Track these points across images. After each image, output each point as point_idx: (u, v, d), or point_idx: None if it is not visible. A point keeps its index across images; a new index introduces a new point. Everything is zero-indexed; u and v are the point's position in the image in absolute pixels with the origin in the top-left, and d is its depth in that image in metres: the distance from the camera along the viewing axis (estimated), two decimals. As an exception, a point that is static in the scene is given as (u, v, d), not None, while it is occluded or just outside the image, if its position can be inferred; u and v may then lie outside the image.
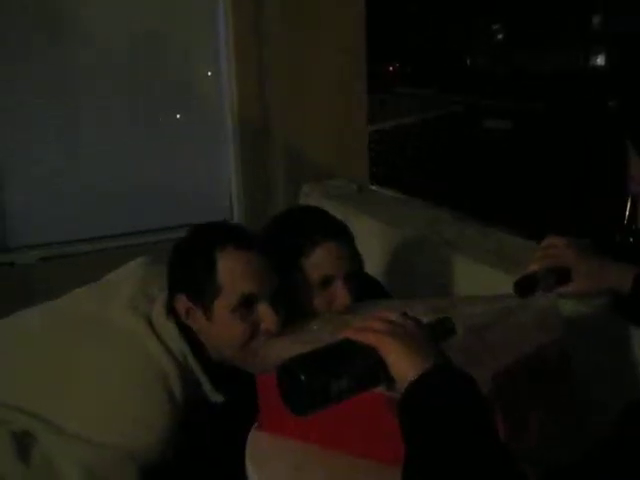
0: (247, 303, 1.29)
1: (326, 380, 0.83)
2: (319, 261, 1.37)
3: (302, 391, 0.83)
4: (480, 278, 1.81)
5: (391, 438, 1.00)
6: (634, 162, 0.86)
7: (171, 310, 1.34)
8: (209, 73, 2.96)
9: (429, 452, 0.78)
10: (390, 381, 0.86)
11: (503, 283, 1.71)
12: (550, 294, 1.14)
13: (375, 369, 0.86)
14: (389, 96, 17.74)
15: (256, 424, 1.26)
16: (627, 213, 1.40)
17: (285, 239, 1.40)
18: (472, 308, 1.18)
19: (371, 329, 0.89)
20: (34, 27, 2.62)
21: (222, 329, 1.30)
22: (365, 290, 1.47)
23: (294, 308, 1.36)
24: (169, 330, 1.31)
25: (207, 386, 1.33)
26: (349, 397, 0.86)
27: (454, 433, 0.77)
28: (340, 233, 1.43)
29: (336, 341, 0.89)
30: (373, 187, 3.23)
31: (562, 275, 1.13)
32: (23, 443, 1.21)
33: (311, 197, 2.74)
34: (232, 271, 1.28)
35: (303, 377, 0.82)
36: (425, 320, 0.94)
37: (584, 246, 1.17)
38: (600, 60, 21.76)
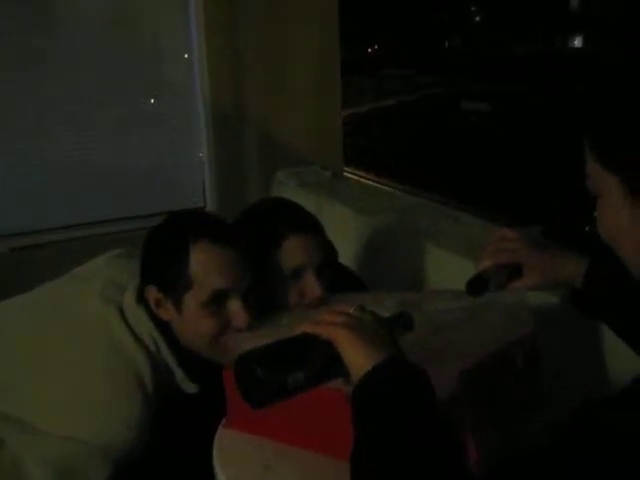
0: (218, 299, 1.26)
1: (283, 374, 0.84)
2: (289, 253, 1.37)
3: (259, 384, 0.84)
4: (452, 268, 1.81)
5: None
6: (589, 159, 0.85)
7: (142, 299, 1.31)
8: (182, 57, 2.91)
9: (374, 441, 0.79)
10: (347, 374, 0.87)
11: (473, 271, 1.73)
12: (519, 288, 1.13)
13: (331, 362, 0.86)
14: (367, 78, 17.68)
15: (223, 421, 1.25)
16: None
17: (256, 232, 1.39)
18: (441, 303, 1.17)
19: (327, 322, 0.89)
20: (1, 13, 2.56)
21: (192, 323, 1.27)
22: (340, 281, 1.46)
23: (266, 301, 1.35)
24: (139, 317, 1.29)
25: (180, 375, 1.30)
26: (306, 390, 0.87)
27: (401, 424, 0.78)
28: (310, 225, 1.42)
29: (293, 335, 0.90)
30: (348, 172, 3.22)
31: (514, 271, 1.11)
32: None
33: (285, 185, 2.72)
34: (205, 266, 1.25)
35: (259, 370, 0.83)
36: (387, 315, 0.94)
37: (535, 238, 1.15)
38: (577, 42, 21.84)
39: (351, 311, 0.91)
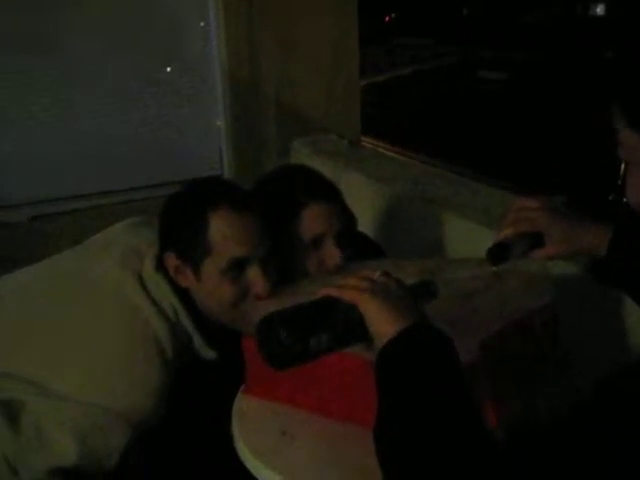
0: (237, 266, 1.25)
1: (305, 335, 0.84)
2: (309, 221, 1.36)
3: (281, 346, 0.84)
4: (470, 236, 1.80)
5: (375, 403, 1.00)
6: (620, 125, 0.82)
7: (161, 266, 1.30)
8: (198, 26, 2.89)
9: (399, 407, 0.79)
10: (369, 339, 0.86)
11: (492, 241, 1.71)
12: (540, 257, 1.11)
13: (354, 326, 0.86)
14: (384, 47, 17.47)
15: (242, 387, 1.25)
16: (622, 172, 1.37)
17: (275, 199, 1.38)
18: (462, 272, 1.16)
19: (351, 287, 0.88)
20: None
21: (211, 290, 1.27)
22: (359, 249, 1.45)
23: (285, 268, 1.34)
24: (158, 284, 1.29)
25: (198, 341, 1.30)
26: (328, 353, 0.87)
27: (426, 391, 0.78)
28: (330, 193, 1.41)
29: (317, 298, 0.90)
30: (365, 141, 3.20)
31: (534, 239, 1.09)
32: (11, 410, 1.18)
33: (301, 153, 2.71)
34: (224, 233, 1.24)
35: (282, 332, 0.83)
36: (410, 282, 0.93)
37: (556, 207, 1.13)
38: (600, 10, 21.41)
39: (375, 277, 0.90)
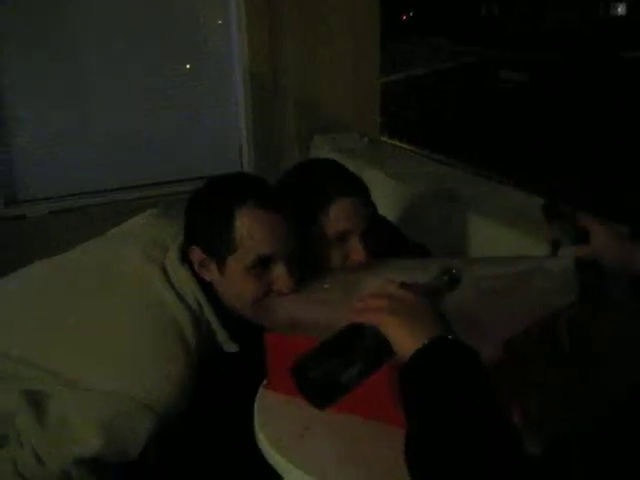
0: (262, 263, 1.26)
1: (335, 374, 0.86)
2: (336, 217, 1.35)
3: (314, 388, 0.86)
4: (493, 236, 1.79)
5: (396, 399, 1.00)
6: None
7: (185, 259, 1.31)
8: (219, 23, 2.90)
9: (427, 426, 0.78)
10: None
11: (516, 241, 1.70)
12: (568, 255, 1.10)
13: (380, 349, 0.87)
14: (403, 46, 17.42)
15: (264, 382, 1.25)
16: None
17: (301, 194, 1.37)
18: (488, 269, 1.15)
19: (370, 309, 0.89)
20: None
21: (234, 285, 1.28)
22: (386, 241, 1.45)
23: (309, 263, 1.34)
24: (183, 276, 1.29)
25: (221, 334, 1.31)
26: (362, 381, 0.87)
27: (452, 407, 0.77)
28: (357, 189, 1.40)
29: (340, 329, 0.91)
30: (384, 140, 3.19)
31: (582, 236, 1.09)
32: (37, 400, 1.19)
33: (321, 150, 2.71)
34: (250, 230, 1.24)
35: (312, 376, 0.86)
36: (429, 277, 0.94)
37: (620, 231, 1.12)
38: (621, 10, 21.20)
39: (393, 290, 0.90)
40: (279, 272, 1.26)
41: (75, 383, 1.20)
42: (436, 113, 10.60)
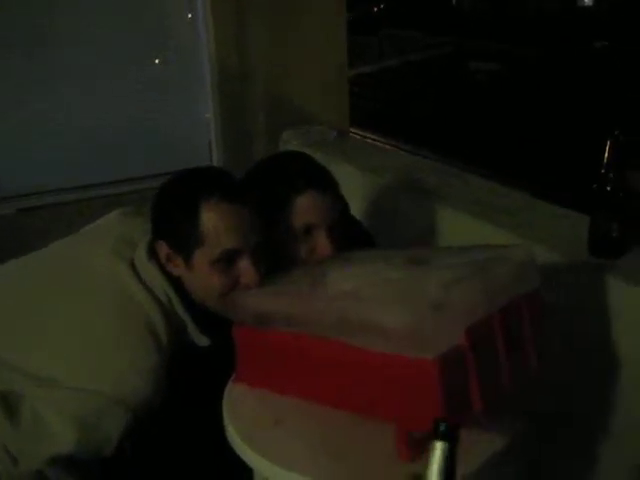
0: (228, 257, 1.26)
1: None
2: (302, 209, 1.35)
3: None
4: (460, 226, 1.81)
5: (366, 389, 1.02)
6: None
7: (153, 254, 1.32)
8: (186, 18, 2.88)
9: None
10: None
11: (483, 231, 1.73)
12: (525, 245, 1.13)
13: None
14: (373, 38, 17.40)
15: (233, 376, 1.26)
16: (605, 161, 1.39)
17: (269, 185, 1.37)
18: (450, 259, 1.17)
19: None
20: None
21: (201, 279, 1.29)
22: (351, 237, 1.44)
23: (276, 256, 1.34)
24: (151, 272, 1.30)
25: (192, 328, 1.31)
26: None
27: None
28: (325, 182, 1.40)
29: None
30: (354, 132, 3.20)
31: None
32: (9, 401, 1.19)
33: (290, 144, 2.71)
34: (216, 224, 1.25)
35: None
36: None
37: None
38: (587, 1, 21.40)
39: None
40: (245, 265, 1.27)
41: (47, 381, 1.20)
42: (405, 105, 10.62)
